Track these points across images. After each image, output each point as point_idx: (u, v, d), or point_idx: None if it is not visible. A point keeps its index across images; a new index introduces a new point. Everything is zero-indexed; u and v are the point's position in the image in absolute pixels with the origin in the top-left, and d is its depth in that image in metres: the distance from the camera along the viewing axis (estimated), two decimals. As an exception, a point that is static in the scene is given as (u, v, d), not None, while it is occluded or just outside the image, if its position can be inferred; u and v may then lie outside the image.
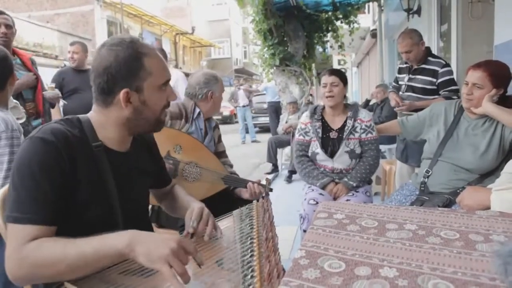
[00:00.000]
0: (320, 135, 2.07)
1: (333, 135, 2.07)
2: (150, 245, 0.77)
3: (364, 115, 2.07)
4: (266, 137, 5.60)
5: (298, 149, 2.15)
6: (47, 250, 0.78)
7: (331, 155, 2.04)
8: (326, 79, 2.05)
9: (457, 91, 2.48)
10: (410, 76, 2.66)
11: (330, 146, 2.06)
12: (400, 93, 2.76)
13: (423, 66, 2.59)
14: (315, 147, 2.08)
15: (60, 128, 0.89)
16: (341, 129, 2.07)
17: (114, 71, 0.90)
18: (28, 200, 0.81)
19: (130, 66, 0.90)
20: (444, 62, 2.56)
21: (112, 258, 0.79)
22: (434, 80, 2.53)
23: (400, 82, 2.81)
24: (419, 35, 2.59)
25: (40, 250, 0.78)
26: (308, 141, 2.12)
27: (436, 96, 2.53)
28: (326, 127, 2.10)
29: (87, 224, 0.91)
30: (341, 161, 2.04)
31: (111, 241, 0.79)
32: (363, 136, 2.03)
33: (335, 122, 2.10)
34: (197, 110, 1.85)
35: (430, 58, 2.59)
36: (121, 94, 0.91)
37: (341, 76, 2.09)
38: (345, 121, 2.06)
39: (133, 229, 0.85)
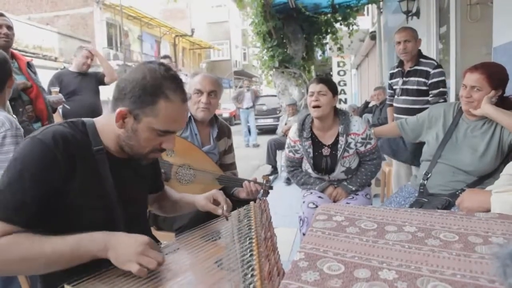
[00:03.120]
0: (311, 155, 1.94)
1: (325, 151, 1.94)
2: (119, 249, 0.82)
3: (358, 127, 1.90)
4: (266, 139, 5.59)
5: (289, 165, 2.08)
6: (20, 248, 0.79)
7: (326, 173, 1.97)
8: (314, 87, 1.89)
9: (444, 94, 2.50)
10: (404, 79, 2.67)
11: (323, 164, 1.94)
12: (395, 97, 2.77)
13: (416, 67, 2.60)
14: (308, 167, 1.98)
15: (62, 131, 0.89)
16: (333, 145, 1.93)
17: (129, 88, 0.90)
18: (10, 199, 0.82)
19: (143, 95, 0.89)
20: (435, 63, 2.57)
21: (86, 259, 0.83)
22: (427, 81, 2.54)
23: (394, 87, 2.81)
24: (417, 33, 2.65)
25: (15, 247, 0.79)
26: (299, 158, 2.03)
27: (426, 102, 2.54)
28: (317, 144, 1.95)
29: (85, 226, 0.90)
30: (337, 177, 1.98)
31: (87, 244, 0.83)
32: (362, 149, 1.92)
33: (326, 138, 1.95)
34: (188, 114, 1.79)
35: (422, 60, 2.60)
36: (118, 110, 0.91)
37: (330, 85, 1.92)
38: (337, 137, 1.92)
39: (109, 232, 0.88)
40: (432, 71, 2.51)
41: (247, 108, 8.65)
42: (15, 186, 0.82)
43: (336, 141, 1.93)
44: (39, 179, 0.83)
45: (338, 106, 2.04)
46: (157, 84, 0.89)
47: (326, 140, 1.96)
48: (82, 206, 0.90)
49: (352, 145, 1.92)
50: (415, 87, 2.60)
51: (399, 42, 2.59)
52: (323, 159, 1.95)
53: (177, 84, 0.93)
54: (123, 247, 0.82)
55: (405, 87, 2.66)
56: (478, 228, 0.93)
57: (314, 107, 1.87)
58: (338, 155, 1.90)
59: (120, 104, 0.91)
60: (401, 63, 2.73)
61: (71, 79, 3.31)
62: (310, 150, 1.94)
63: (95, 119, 0.99)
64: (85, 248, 0.82)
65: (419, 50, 2.66)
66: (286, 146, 2.08)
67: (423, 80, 2.55)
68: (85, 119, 0.98)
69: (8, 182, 0.83)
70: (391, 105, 2.92)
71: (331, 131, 1.96)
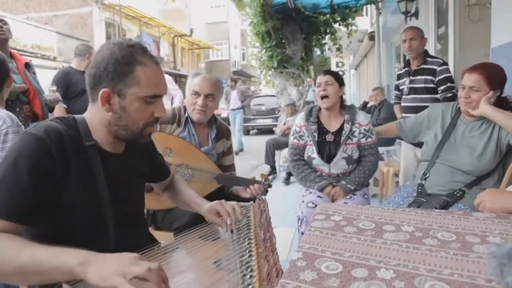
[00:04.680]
0: (316, 139, 2.01)
1: (329, 138, 2.02)
2: (102, 264, 0.72)
3: (362, 118, 2.01)
4: (264, 139, 5.59)
5: (292, 153, 2.11)
6: (1, 247, 0.75)
7: (328, 160, 2.00)
8: (321, 78, 2.02)
9: (452, 88, 2.55)
10: (411, 78, 2.73)
11: (326, 151, 2.00)
12: (404, 96, 2.82)
13: (423, 66, 2.67)
14: (311, 152, 2.03)
15: (54, 126, 0.88)
16: (338, 132, 2.01)
17: (102, 68, 0.90)
18: (5, 194, 0.80)
19: (119, 68, 0.89)
20: (441, 61, 2.66)
21: (63, 273, 0.73)
22: (434, 78, 2.61)
23: (401, 87, 2.88)
24: (423, 32, 2.75)
25: None
26: (303, 145, 2.07)
27: (435, 100, 2.58)
28: (322, 130, 2.04)
29: (76, 223, 0.90)
30: (338, 166, 2.00)
31: (67, 255, 0.74)
32: (363, 141, 1.99)
33: (332, 125, 2.05)
34: (186, 114, 1.80)
35: (428, 59, 2.69)
36: (101, 92, 0.90)
37: (336, 76, 2.05)
38: (342, 124, 2.01)
39: (126, 237, 0.86)
40: (438, 69, 2.60)
41: (233, 110, 7.86)
42: (10, 181, 0.80)
43: (340, 129, 2.02)
44: (34, 171, 0.81)
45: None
46: (127, 54, 0.90)
47: (331, 127, 2.04)
48: (75, 202, 0.88)
49: (355, 134, 1.99)
50: (422, 85, 2.66)
51: (405, 40, 2.68)
52: (326, 145, 2.01)
53: (145, 49, 0.93)
54: (108, 261, 0.72)
55: (412, 85, 2.72)
56: (475, 227, 0.94)
57: (322, 97, 1.98)
58: (342, 140, 1.97)
59: (99, 88, 0.90)
60: (408, 63, 2.80)
61: (79, 78, 3.24)
62: (316, 134, 2.02)
63: (84, 115, 0.98)
64: (64, 259, 0.72)
65: (426, 50, 2.74)
66: (291, 133, 2.14)
67: (430, 78, 2.62)
68: (75, 115, 0.97)
69: (2, 177, 0.81)
70: (398, 103, 2.98)
71: (336, 119, 2.05)
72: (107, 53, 0.90)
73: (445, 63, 2.65)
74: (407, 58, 2.82)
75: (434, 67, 2.61)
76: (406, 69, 2.80)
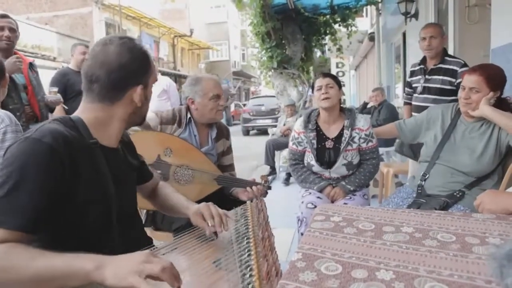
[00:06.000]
0: (314, 146, 1.99)
1: (329, 144, 1.99)
2: (118, 264, 0.73)
3: (363, 123, 1.97)
4: (264, 140, 5.59)
5: (291, 158, 2.11)
6: (15, 256, 0.73)
7: (328, 166, 1.98)
8: (321, 81, 1.97)
9: None
10: (426, 77, 2.60)
11: (326, 157, 1.98)
12: (415, 95, 2.71)
13: (440, 65, 2.54)
14: (310, 159, 2.01)
15: (58, 129, 0.86)
16: (337, 139, 1.98)
17: (131, 67, 0.94)
18: (10, 203, 0.77)
19: (144, 63, 0.97)
20: (462, 62, 2.50)
21: (79, 278, 0.73)
22: (453, 80, 2.47)
23: (414, 85, 2.73)
24: (443, 29, 2.60)
25: (7, 254, 0.73)
26: (302, 151, 2.05)
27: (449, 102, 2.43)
28: (321, 136, 2.01)
29: (86, 224, 0.90)
30: (338, 172, 2.00)
31: (82, 261, 0.74)
32: (363, 145, 1.97)
33: (331, 131, 2.01)
34: (188, 115, 1.81)
35: (447, 58, 2.55)
36: (138, 89, 0.96)
37: (335, 79, 2.03)
38: (342, 130, 1.98)
39: (125, 237, 0.87)
40: (459, 70, 2.44)
41: None
42: (15, 190, 0.77)
43: (340, 135, 1.98)
44: (44, 180, 0.79)
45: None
46: (141, 49, 0.98)
47: (330, 133, 2.01)
48: (86, 202, 0.87)
49: (356, 139, 1.96)
50: (438, 85, 2.53)
51: (424, 38, 2.53)
52: (326, 151, 1.99)
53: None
54: (122, 261, 0.74)
55: (427, 85, 2.59)
56: (475, 228, 0.94)
57: (323, 99, 1.94)
58: (342, 147, 1.95)
59: (127, 87, 0.95)
60: (423, 61, 2.66)
61: (76, 78, 3.20)
62: (314, 141, 1.99)
63: (80, 115, 0.96)
64: (79, 265, 0.73)
65: (444, 49, 2.60)
66: (290, 138, 2.12)
67: (448, 79, 2.49)
68: (70, 116, 0.96)
69: (11, 187, 0.77)
70: (409, 103, 2.84)
71: (335, 124, 2.02)
72: (127, 52, 0.94)
73: (466, 64, 2.45)
74: (423, 55, 2.65)
75: (455, 67, 2.46)
76: (422, 66, 2.64)
